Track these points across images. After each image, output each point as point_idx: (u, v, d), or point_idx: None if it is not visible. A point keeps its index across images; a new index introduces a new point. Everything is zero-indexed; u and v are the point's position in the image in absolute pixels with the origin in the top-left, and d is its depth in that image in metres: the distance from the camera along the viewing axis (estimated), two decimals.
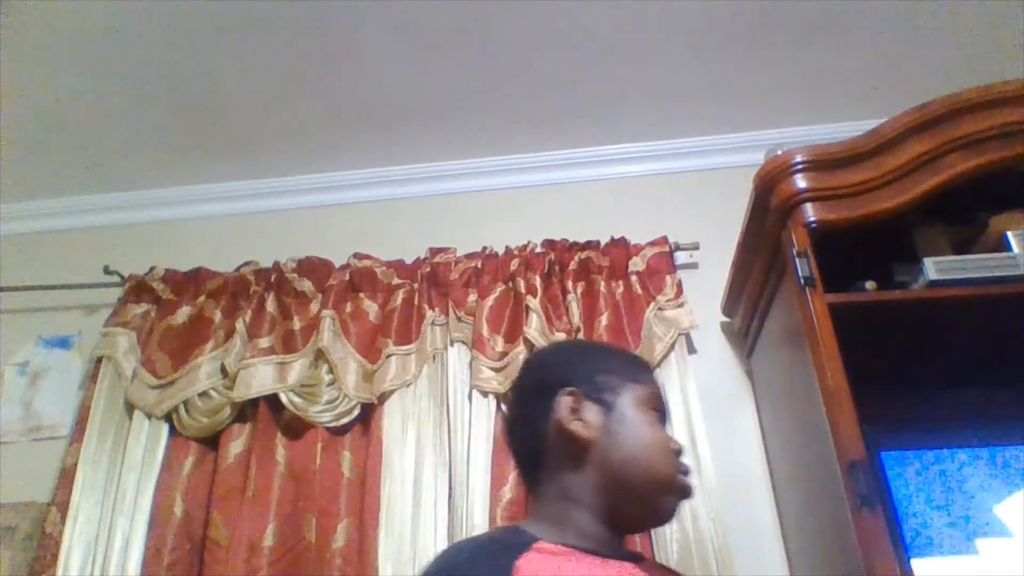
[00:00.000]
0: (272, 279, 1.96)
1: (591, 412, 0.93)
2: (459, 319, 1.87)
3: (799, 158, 1.41)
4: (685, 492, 0.92)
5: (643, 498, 0.91)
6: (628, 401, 0.94)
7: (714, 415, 1.74)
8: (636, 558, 0.92)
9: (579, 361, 1.02)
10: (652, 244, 1.94)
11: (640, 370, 1.02)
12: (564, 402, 0.93)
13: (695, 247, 1.96)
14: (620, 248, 1.94)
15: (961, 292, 1.29)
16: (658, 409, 0.97)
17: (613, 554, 0.87)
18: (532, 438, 0.96)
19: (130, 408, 1.83)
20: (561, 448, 0.93)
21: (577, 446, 0.91)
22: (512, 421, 1.06)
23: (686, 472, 0.93)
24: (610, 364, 1.00)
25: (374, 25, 1.77)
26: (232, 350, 1.83)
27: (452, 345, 1.84)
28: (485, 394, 1.75)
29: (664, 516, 0.93)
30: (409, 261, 2.01)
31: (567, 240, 1.96)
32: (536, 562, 0.79)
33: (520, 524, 0.93)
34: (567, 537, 0.86)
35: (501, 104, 2.03)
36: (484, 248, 1.99)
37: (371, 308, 1.92)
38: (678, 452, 0.94)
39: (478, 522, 1.60)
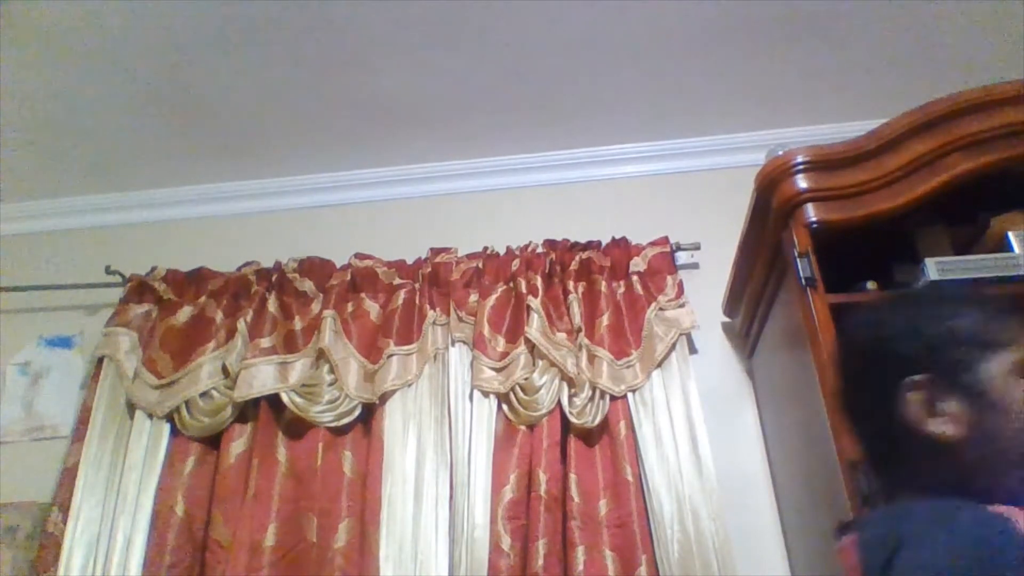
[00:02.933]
0: (273, 279, 1.96)
1: (952, 402, 0.74)
2: (460, 319, 1.87)
3: (800, 158, 1.41)
4: None
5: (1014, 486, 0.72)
6: (998, 373, 0.74)
7: (715, 415, 1.74)
8: None
9: (925, 329, 0.79)
10: (653, 244, 1.95)
11: (1002, 322, 0.78)
12: (914, 399, 0.75)
13: (696, 247, 1.96)
14: (621, 248, 1.94)
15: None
16: None
17: None
18: (872, 433, 0.81)
19: (131, 408, 1.83)
20: (918, 449, 0.76)
21: (936, 446, 0.74)
22: (845, 403, 0.87)
23: None
24: (965, 327, 0.77)
25: (375, 26, 1.77)
26: (233, 350, 1.83)
27: (453, 345, 1.84)
28: (486, 394, 1.75)
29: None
30: (410, 261, 2.01)
31: (568, 240, 1.96)
32: None
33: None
34: None
35: (502, 104, 2.03)
36: (485, 248, 1.99)
37: (372, 308, 1.92)
38: None
39: (479, 522, 1.61)
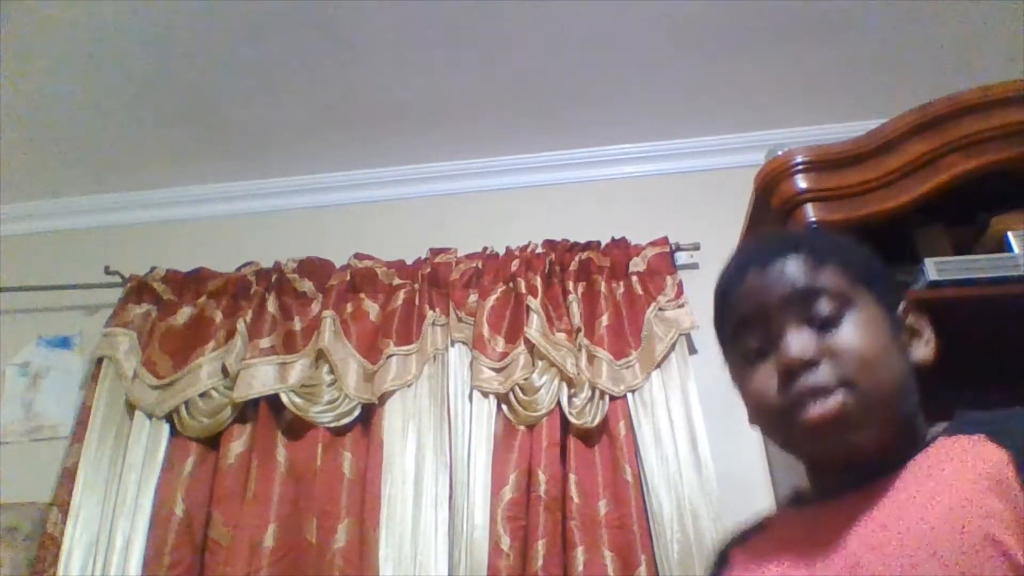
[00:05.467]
0: (273, 279, 1.96)
1: None
2: (460, 319, 1.87)
3: (800, 158, 1.41)
4: (810, 431, 0.66)
5: (802, 457, 0.75)
6: (730, 368, 0.78)
7: (715, 415, 1.74)
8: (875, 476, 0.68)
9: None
10: (653, 244, 1.94)
11: (720, 306, 0.80)
12: None
13: (696, 247, 1.96)
14: (621, 248, 1.94)
15: (962, 292, 1.29)
16: (751, 340, 0.72)
17: (846, 486, 0.68)
18: None
19: (131, 408, 1.83)
20: None
21: None
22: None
23: (798, 401, 0.66)
24: (716, 322, 0.83)
25: (375, 26, 1.77)
26: (233, 350, 1.83)
27: (453, 345, 1.84)
28: (486, 394, 1.75)
29: (828, 462, 0.71)
30: (410, 261, 2.01)
31: (568, 240, 1.96)
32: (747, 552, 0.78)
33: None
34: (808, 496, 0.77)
35: (502, 104, 2.03)
36: (485, 248, 1.99)
37: (372, 308, 1.92)
38: (784, 373, 0.68)
39: (478, 522, 1.61)
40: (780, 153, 1.44)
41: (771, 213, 1.44)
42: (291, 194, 2.26)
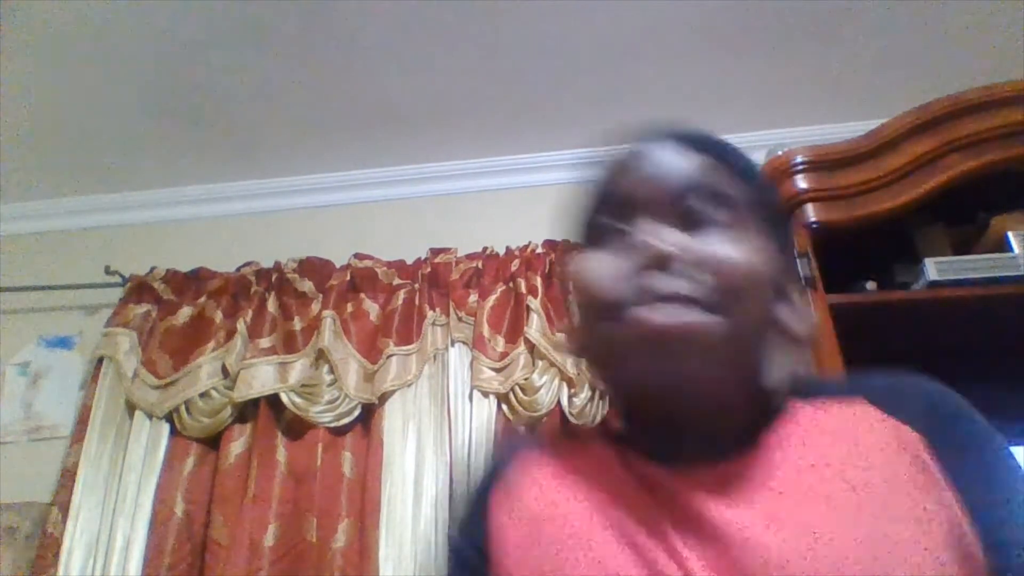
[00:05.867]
0: (273, 279, 1.96)
1: None
2: (460, 319, 1.87)
3: (800, 159, 1.41)
4: (641, 337, 0.52)
5: (614, 385, 0.61)
6: (587, 242, 0.64)
7: None
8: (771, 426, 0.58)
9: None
10: None
11: (596, 187, 0.64)
12: None
13: None
14: None
15: (962, 292, 1.29)
16: (605, 217, 0.60)
17: (687, 454, 0.56)
18: None
19: (131, 408, 1.83)
20: None
21: None
22: None
23: (643, 298, 0.52)
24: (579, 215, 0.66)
25: (375, 26, 1.76)
26: (233, 350, 1.83)
27: (453, 345, 1.84)
28: (486, 394, 1.75)
29: (648, 389, 0.55)
30: (410, 261, 2.01)
31: (568, 240, 1.96)
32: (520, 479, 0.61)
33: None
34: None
35: (502, 105, 2.03)
36: (485, 248, 1.99)
37: (372, 308, 1.92)
38: (644, 264, 0.54)
39: None
40: (780, 153, 1.44)
41: None
42: (291, 194, 2.26)
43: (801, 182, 1.40)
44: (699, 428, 0.56)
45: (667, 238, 0.54)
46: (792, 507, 0.51)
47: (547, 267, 1.90)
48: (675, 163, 0.59)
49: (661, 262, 0.53)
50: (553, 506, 0.57)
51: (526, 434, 0.64)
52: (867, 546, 0.48)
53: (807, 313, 0.63)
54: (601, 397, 1.71)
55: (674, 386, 0.53)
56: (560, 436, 0.66)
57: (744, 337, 0.54)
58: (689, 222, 0.56)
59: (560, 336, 1.79)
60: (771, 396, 0.59)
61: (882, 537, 0.48)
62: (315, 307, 1.92)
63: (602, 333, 0.55)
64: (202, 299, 1.96)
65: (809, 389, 0.60)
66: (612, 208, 0.59)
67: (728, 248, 0.55)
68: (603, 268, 0.56)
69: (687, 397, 0.54)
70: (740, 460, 0.55)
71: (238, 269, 2.02)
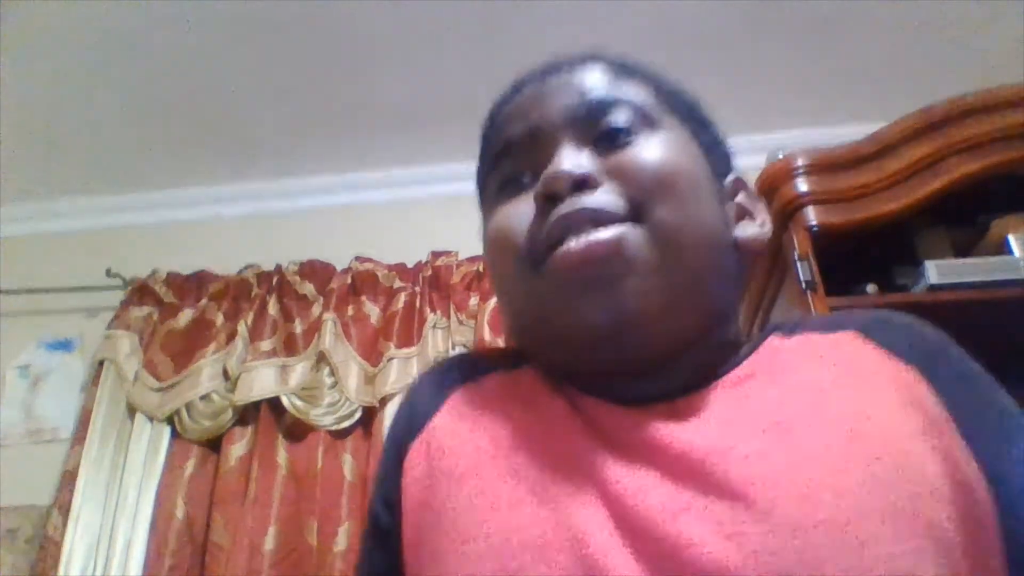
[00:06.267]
0: (274, 282, 1.96)
1: None
2: (460, 322, 1.87)
3: (801, 161, 1.41)
4: (570, 273, 0.45)
5: (545, 345, 0.50)
6: (489, 204, 0.54)
7: None
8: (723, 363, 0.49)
9: None
10: None
11: (485, 133, 0.57)
12: None
13: None
14: None
15: (963, 295, 1.29)
16: (508, 167, 0.52)
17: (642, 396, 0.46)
18: None
19: (132, 411, 1.83)
20: None
21: None
22: None
23: (559, 231, 0.45)
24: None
25: (377, 27, 1.77)
26: (234, 353, 1.83)
27: (454, 348, 1.84)
28: None
29: (586, 339, 0.46)
30: (411, 264, 2.01)
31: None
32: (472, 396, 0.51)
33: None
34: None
35: None
36: None
37: (373, 311, 1.92)
38: (545, 196, 0.47)
39: None
40: (781, 156, 1.44)
41: (772, 216, 1.44)
42: (292, 196, 2.26)
43: (802, 185, 1.40)
44: (654, 370, 0.47)
45: (581, 160, 0.47)
46: (772, 431, 0.42)
47: None
48: (587, 84, 0.51)
49: (565, 188, 0.45)
50: (454, 449, 0.46)
51: (452, 359, 0.57)
52: (857, 475, 0.39)
53: (763, 217, 0.55)
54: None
55: (616, 323, 0.44)
56: (491, 358, 0.55)
57: (681, 246, 0.45)
58: (594, 141, 0.49)
59: None
60: (732, 320, 0.52)
61: (874, 464, 0.40)
62: (316, 310, 1.93)
63: (526, 297, 0.47)
64: (203, 301, 1.96)
65: (790, 326, 0.52)
66: (509, 151, 0.52)
67: (655, 150, 0.48)
68: (510, 218, 0.48)
69: (635, 333, 0.45)
70: (702, 393, 0.46)
71: (239, 271, 2.02)
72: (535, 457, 0.44)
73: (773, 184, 1.43)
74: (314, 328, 1.89)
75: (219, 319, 1.92)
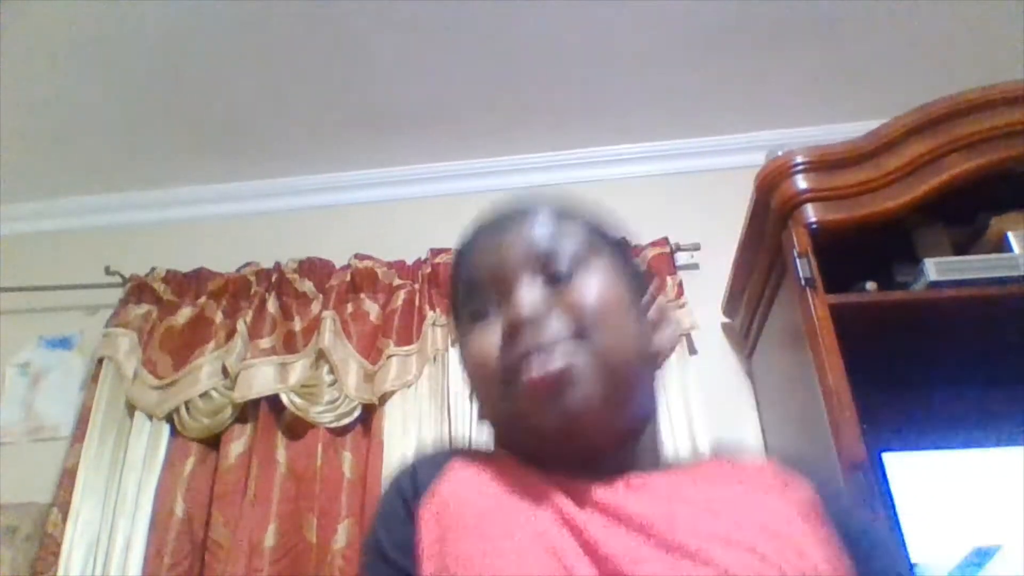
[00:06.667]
0: (273, 280, 1.96)
1: None
2: None
3: (800, 159, 1.41)
4: (534, 394, 0.57)
5: (524, 444, 0.62)
6: (463, 331, 0.66)
7: (715, 416, 1.74)
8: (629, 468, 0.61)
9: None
10: (653, 245, 1.94)
11: (456, 271, 0.70)
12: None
13: (696, 248, 1.96)
14: None
15: (962, 293, 1.29)
16: (476, 303, 0.64)
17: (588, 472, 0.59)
18: None
19: (131, 409, 1.83)
20: None
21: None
22: None
23: (521, 361, 0.58)
24: (451, 292, 0.71)
25: (376, 26, 1.77)
26: (233, 351, 1.83)
27: (453, 346, 1.84)
28: None
29: (554, 438, 0.59)
30: (410, 262, 2.01)
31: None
32: (463, 463, 0.62)
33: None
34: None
35: (502, 105, 2.03)
36: None
37: (372, 309, 1.92)
38: (508, 332, 0.60)
39: None
40: (780, 153, 1.44)
41: (771, 213, 1.45)
42: (291, 194, 2.26)
43: (801, 182, 1.40)
44: (601, 459, 0.61)
45: (535, 298, 0.60)
46: (695, 513, 0.56)
47: None
48: (532, 234, 0.65)
49: (522, 324, 0.59)
50: (471, 502, 0.58)
51: (436, 447, 0.68)
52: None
53: (672, 326, 0.69)
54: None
55: (569, 425, 0.58)
56: (466, 450, 0.68)
57: (615, 362, 0.59)
58: (544, 279, 0.62)
59: None
60: (656, 436, 0.68)
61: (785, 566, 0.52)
62: (315, 307, 1.93)
63: (502, 406, 0.61)
64: (202, 299, 1.96)
65: (722, 450, 0.69)
66: (476, 290, 0.65)
67: (591, 286, 0.61)
68: (482, 346, 0.62)
69: (582, 430, 0.59)
70: (640, 477, 0.60)
71: (238, 269, 2.02)
72: (526, 515, 0.56)
73: (773, 181, 1.43)
74: (313, 326, 1.89)
75: (218, 317, 1.92)
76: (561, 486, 0.58)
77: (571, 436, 0.59)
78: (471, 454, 0.65)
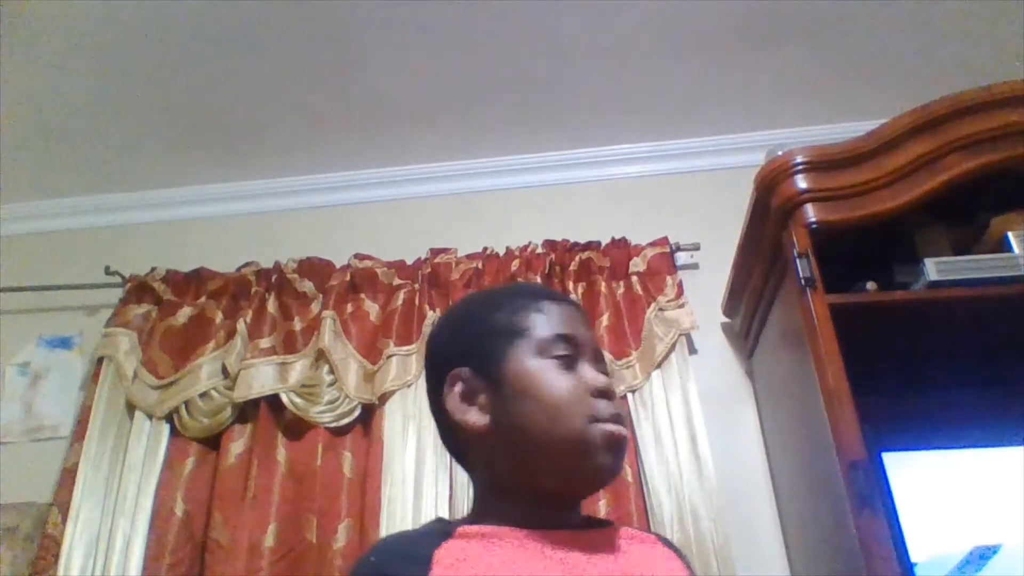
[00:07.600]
0: (273, 280, 1.96)
1: (483, 393, 0.76)
2: None
3: (800, 159, 1.41)
4: (609, 442, 0.73)
5: (560, 469, 0.74)
6: (516, 361, 0.76)
7: (715, 415, 1.74)
8: (597, 524, 0.81)
9: (462, 327, 0.84)
10: (653, 245, 1.95)
11: (528, 311, 0.79)
12: (452, 391, 0.77)
13: (696, 248, 1.96)
14: (621, 249, 1.94)
15: (962, 293, 1.29)
16: (562, 350, 0.77)
17: (561, 524, 0.74)
18: (442, 432, 0.82)
19: (131, 408, 1.83)
20: (467, 441, 0.78)
21: (476, 437, 0.76)
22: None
23: (607, 417, 0.74)
24: (496, 321, 0.79)
25: (375, 26, 1.77)
26: (233, 350, 1.83)
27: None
28: None
29: (594, 478, 0.77)
30: (410, 262, 2.01)
31: (568, 241, 1.96)
32: (459, 548, 0.68)
33: (452, 519, 0.83)
34: (497, 522, 0.72)
35: (502, 105, 2.03)
36: (485, 249, 1.99)
37: (372, 309, 1.92)
38: (597, 392, 0.75)
39: None
40: (780, 153, 1.44)
41: (771, 213, 1.44)
42: (291, 194, 2.26)
43: (801, 182, 1.40)
44: (576, 507, 0.80)
45: (603, 374, 0.78)
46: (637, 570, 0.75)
47: (547, 267, 1.90)
48: (584, 321, 0.84)
49: (614, 394, 0.79)
50: (470, 565, 0.68)
51: (405, 535, 0.83)
52: None
53: None
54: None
55: (610, 476, 0.77)
56: (449, 521, 0.80)
57: None
58: (596, 361, 0.80)
59: None
60: None
61: None
62: (315, 307, 1.93)
63: (578, 439, 0.73)
64: (202, 299, 1.96)
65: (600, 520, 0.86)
66: (570, 343, 0.78)
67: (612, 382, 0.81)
68: (574, 389, 0.75)
69: (604, 484, 0.81)
70: (591, 533, 0.76)
71: (238, 269, 2.02)
72: (532, 566, 0.69)
73: (772, 181, 1.43)
74: (313, 326, 1.89)
75: (218, 317, 1.92)
76: (547, 538, 0.71)
77: (603, 482, 0.78)
78: (458, 523, 0.75)
